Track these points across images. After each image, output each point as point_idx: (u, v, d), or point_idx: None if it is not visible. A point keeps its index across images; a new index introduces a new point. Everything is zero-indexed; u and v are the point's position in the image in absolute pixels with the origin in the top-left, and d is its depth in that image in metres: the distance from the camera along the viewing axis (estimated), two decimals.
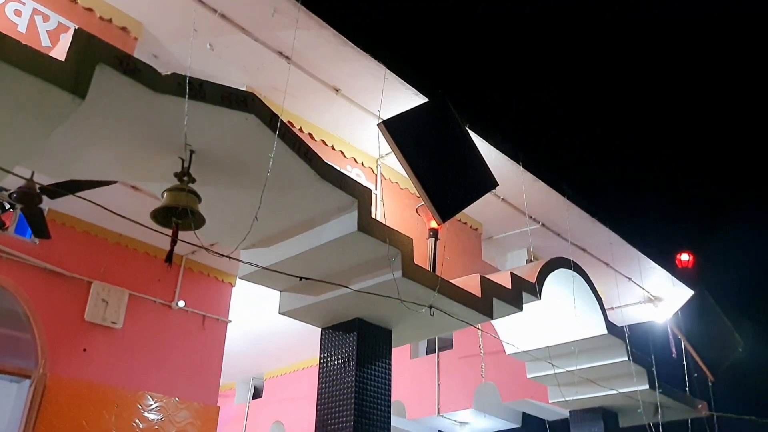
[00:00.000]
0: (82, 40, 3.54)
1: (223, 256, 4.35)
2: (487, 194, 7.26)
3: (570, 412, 9.11)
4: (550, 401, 8.93)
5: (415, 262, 5.37)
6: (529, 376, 8.54)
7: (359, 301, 5.52)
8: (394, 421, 11.24)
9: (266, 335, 10.30)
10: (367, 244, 4.91)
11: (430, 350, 11.49)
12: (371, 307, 5.61)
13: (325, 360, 5.89)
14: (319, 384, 5.84)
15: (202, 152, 4.38)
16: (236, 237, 5.03)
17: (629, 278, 9.30)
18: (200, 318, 8.23)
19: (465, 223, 7.77)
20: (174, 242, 4.18)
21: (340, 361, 5.73)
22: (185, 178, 4.34)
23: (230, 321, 8.50)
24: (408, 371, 11.32)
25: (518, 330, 8.23)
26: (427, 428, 11.75)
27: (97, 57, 3.55)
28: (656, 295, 9.89)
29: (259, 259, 5.21)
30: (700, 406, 9.03)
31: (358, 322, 5.79)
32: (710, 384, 9.08)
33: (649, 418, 8.78)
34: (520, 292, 6.43)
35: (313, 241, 4.97)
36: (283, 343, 10.64)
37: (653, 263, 9.04)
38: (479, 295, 5.95)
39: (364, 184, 6.35)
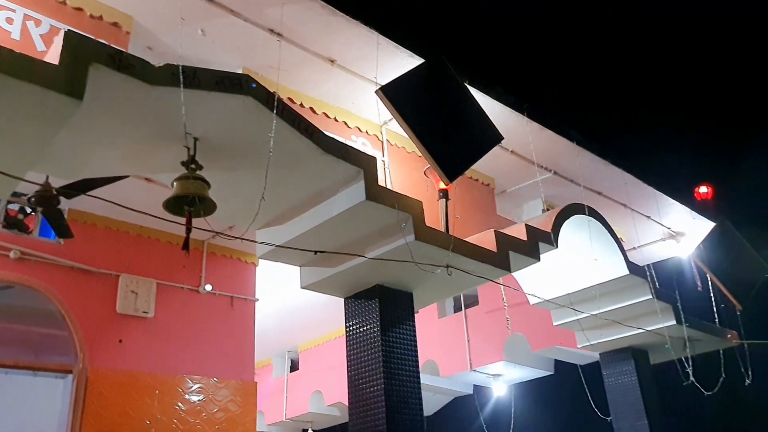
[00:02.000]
0: (74, 42, 3.59)
1: (235, 238, 4.46)
2: (496, 148, 7.25)
3: (600, 354, 9.21)
4: (578, 346, 9.02)
5: (428, 224, 5.43)
6: (555, 323, 8.63)
7: (377, 268, 5.61)
8: (429, 380, 11.55)
9: (296, 310, 10.52)
10: (377, 212, 4.97)
11: (457, 308, 11.63)
12: (390, 272, 5.71)
13: (351, 328, 6.03)
14: (348, 351, 5.99)
15: (206, 139, 4.45)
16: (249, 218, 5.13)
17: (648, 216, 9.25)
18: (228, 299, 8.43)
19: (476, 180, 7.78)
20: (189, 230, 4.29)
21: (365, 328, 5.87)
22: (192, 166, 4.42)
23: (257, 299, 8.69)
24: (437, 330, 11.49)
25: (540, 280, 8.28)
26: (462, 384, 11.97)
27: (89, 57, 3.60)
28: (677, 231, 9.84)
29: (274, 238, 5.31)
30: (729, 335, 9.05)
31: (379, 289, 5.90)
32: (738, 313, 9.08)
33: (678, 353, 8.85)
34: (536, 242, 6.47)
35: (324, 214, 5.05)
36: (313, 315, 10.85)
37: (670, 199, 8.97)
38: (495, 250, 6.00)
39: (370, 152, 6.40)
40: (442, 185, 5.80)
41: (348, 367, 5.93)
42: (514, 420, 11.69)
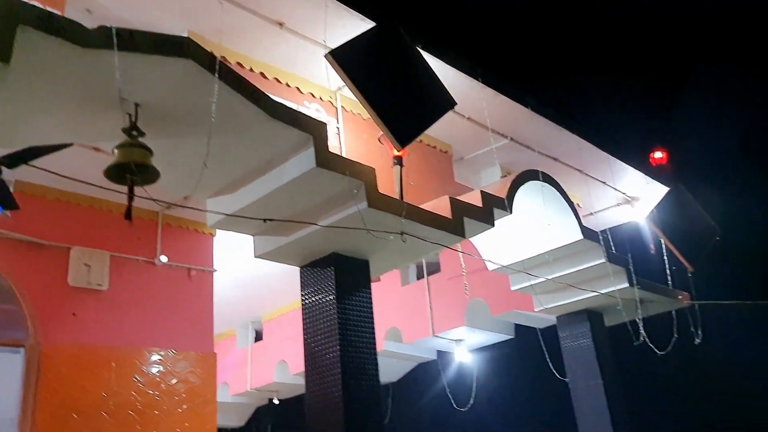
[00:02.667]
0: (0, 3, 3.43)
1: (174, 205, 4.36)
2: (451, 114, 7.25)
3: (557, 317, 9.40)
4: (535, 309, 9.19)
5: (383, 192, 5.41)
6: (513, 288, 8.76)
7: (332, 236, 5.59)
8: (393, 347, 11.67)
9: (259, 279, 10.46)
10: (328, 179, 4.92)
11: (419, 276, 11.72)
12: (344, 240, 5.69)
13: (307, 296, 6.02)
14: (303, 320, 5.99)
15: (148, 105, 4.32)
16: (199, 187, 5.04)
17: (603, 182, 9.39)
18: (185, 271, 8.32)
19: (434, 147, 7.77)
20: (131, 199, 4.19)
21: (321, 296, 5.86)
22: (134, 133, 4.30)
23: (216, 270, 8.61)
24: (400, 298, 11.59)
25: (498, 246, 8.37)
26: (425, 349, 12.14)
27: (16, 19, 3.44)
28: (632, 196, 10.02)
29: (225, 207, 5.24)
30: (680, 296, 9.32)
31: (334, 257, 5.88)
32: (690, 275, 9.34)
33: (632, 315, 9.08)
34: (490, 208, 6.51)
35: (274, 182, 4.98)
36: (276, 285, 10.80)
37: (625, 164, 9.11)
38: (449, 216, 6.03)
39: (324, 119, 6.32)
40: (396, 151, 5.77)
41: (304, 335, 5.94)
42: (477, 383, 11.95)
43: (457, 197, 6.28)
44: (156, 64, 3.99)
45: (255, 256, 5.87)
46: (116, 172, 4.19)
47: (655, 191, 9.83)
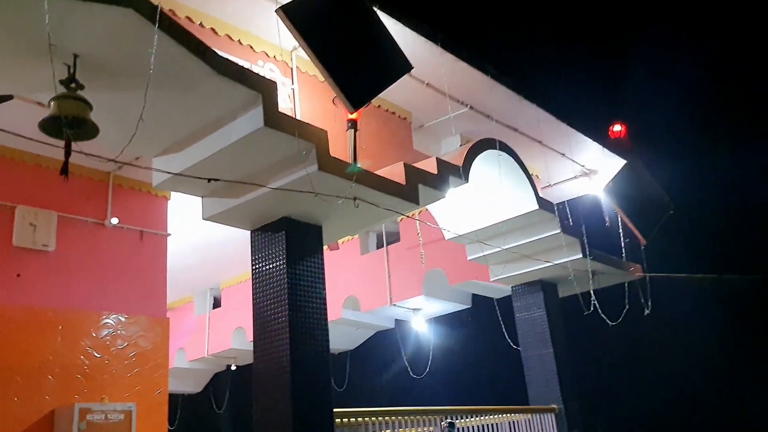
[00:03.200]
0: None
1: (125, 165, 4.21)
2: (411, 80, 7.17)
3: (512, 287, 9.51)
4: (491, 279, 9.27)
5: (336, 156, 5.31)
6: (469, 258, 8.80)
7: (283, 200, 5.49)
8: (351, 315, 11.69)
9: (217, 245, 10.30)
10: (277, 140, 4.80)
11: (379, 245, 11.71)
12: (296, 204, 5.60)
13: (257, 260, 5.94)
14: (253, 284, 5.92)
15: (87, 56, 4.13)
16: (143, 144, 4.88)
17: (562, 154, 9.44)
18: (137, 233, 8.14)
19: (393, 113, 7.67)
20: (67, 154, 4.02)
21: (271, 261, 5.78)
22: (72, 85, 4.11)
23: (169, 234, 8.44)
24: (359, 267, 11.56)
25: (455, 215, 8.38)
26: (383, 318, 12.19)
27: None
28: (590, 168, 10.10)
29: (171, 166, 5.08)
30: (632, 268, 9.50)
31: (286, 221, 5.79)
32: (642, 247, 9.51)
33: (585, 286, 9.24)
34: (446, 176, 6.48)
35: (222, 141, 4.84)
36: (234, 252, 10.66)
37: (584, 137, 9.15)
38: (404, 183, 5.97)
39: (278, 79, 6.15)
40: (350, 114, 5.66)
41: (254, 300, 5.87)
42: (433, 351, 12.09)
43: (413, 165, 6.22)
44: (94, 12, 3.80)
45: (203, 218, 5.74)
46: (52, 126, 4.02)
47: (613, 164, 9.92)
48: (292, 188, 5.08)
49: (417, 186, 6.07)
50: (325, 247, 9.47)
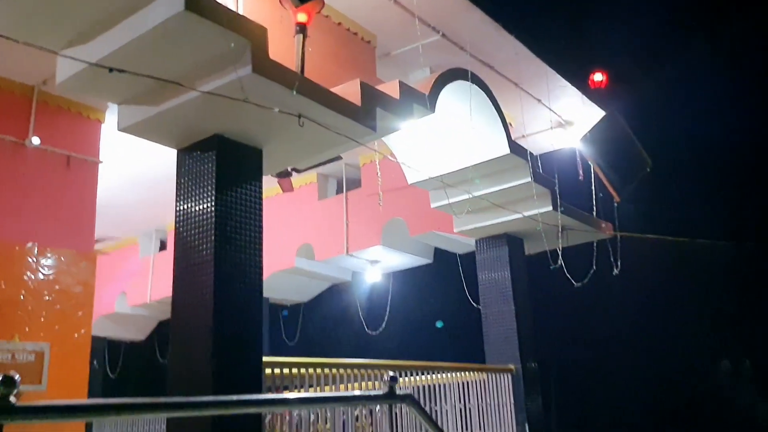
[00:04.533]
0: None
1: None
2: None
3: (476, 241, 8.89)
4: (454, 231, 8.63)
5: (283, 65, 4.52)
6: (432, 205, 8.12)
7: (213, 111, 4.68)
8: (305, 264, 10.99)
9: (164, 181, 9.43)
10: (202, 30, 3.96)
11: (340, 190, 10.97)
12: (230, 119, 4.79)
13: (182, 185, 5.14)
14: (177, 212, 5.15)
15: None
16: (45, 35, 4.01)
17: (539, 100, 8.74)
18: (63, 158, 7.30)
19: (355, 34, 6.83)
20: None
21: (198, 185, 4.99)
22: None
23: (101, 162, 7.59)
24: (316, 213, 10.82)
25: (419, 156, 7.66)
26: (340, 269, 11.53)
27: None
28: (567, 119, 9.44)
29: (75, 62, 4.21)
30: (603, 225, 8.95)
31: (218, 140, 4.98)
32: (615, 205, 8.97)
33: (553, 243, 8.67)
34: (410, 103, 5.71)
35: (137, 28, 3.99)
36: None
37: (563, 81, 8.44)
38: (359, 104, 5.20)
39: None
40: (300, 17, 4.83)
41: (176, 228, 5.10)
42: (391, 307, 11.51)
43: (371, 85, 5.44)
44: None
45: (118, 129, 4.89)
46: None
47: (591, 116, 9.27)
48: (221, 93, 4.27)
49: (374, 110, 5.30)
50: (279, 189, 8.78)
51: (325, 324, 14.05)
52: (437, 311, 13.29)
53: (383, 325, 11.40)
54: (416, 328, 13.30)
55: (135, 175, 9.61)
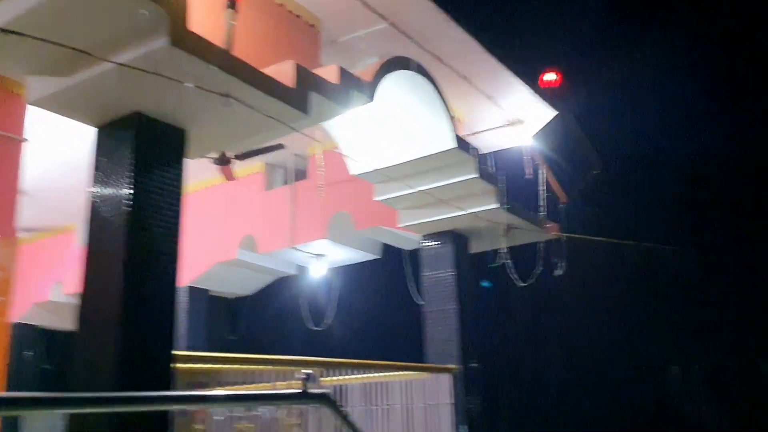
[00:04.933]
0: None
1: None
2: None
3: (421, 237, 8.69)
4: (398, 225, 8.42)
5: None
6: (375, 198, 7.89)
7: (132, 87, 4.35)
8: (247, 257, 10.63)
9: None
10: None
11: (289, 181, 10.64)
12: (149, 94, 4.46)
13: (99, 166, 4.79)
14: (91, 196, 4.79)
15: None
16: None
17: (489, 97, 8.58)
18: None
19: (299, 17, 6.54)
20: None
21: (114, 166, 4.64)
22: None
23: (26, 140, 7.11)
24: (261, 203, 10.48)
25: (363, 147, 7.42)
26: (284, 263, 11.20)
27: None
28: (517, 118, 9.30)
29: None
30: (549, 226, 8.86)
31: (138, 118, 4.64)
32: (562, 206, 8.90)
33: (499, 242, 8.55)
34: (349, 90, 5.46)
35: None
36: None
37: (514, 78, 8.30)
38: (292, 86, 4.93)
39: None
40: None
41: (90, 214, 4.75)
42: (338, 303, 11.24)
43: (307, 68, 5.16)
44: None
45: (29, 103, 4.52)
46: None
47: (542, 116, 9.18)
48: (137, 66, 3.95)
49: (309, 94, 5.03)
50: (224, 178, 8.42)
51: (270, 319, 13.71)
52: (384, 308, 13.09)
53: (328, 321, 11.13)
54: (363, 325, 13.08)
55: (72, 159, 9.10)
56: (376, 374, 7.15)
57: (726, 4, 13.09)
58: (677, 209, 12.71)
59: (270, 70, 4.95)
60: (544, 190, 8.97)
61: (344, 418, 3.84)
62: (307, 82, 5.05)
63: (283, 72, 4.93)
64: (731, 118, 12.92)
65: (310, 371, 4.24)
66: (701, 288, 13.69)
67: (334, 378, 6.63)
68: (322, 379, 6.09)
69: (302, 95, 4.96)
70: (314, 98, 5.14)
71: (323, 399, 3.48)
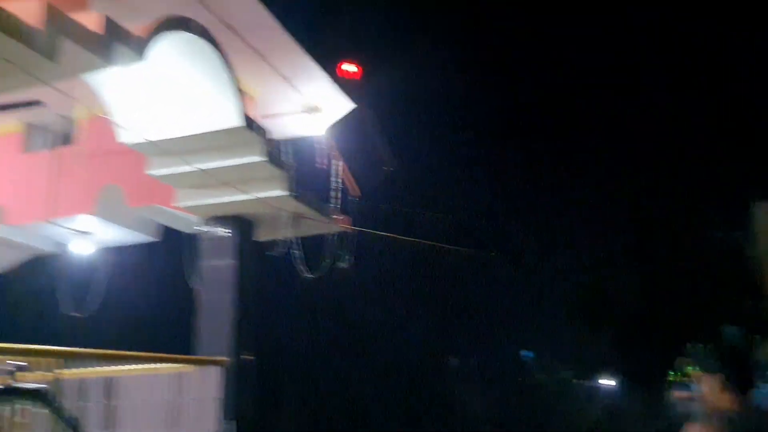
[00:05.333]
0: None
1: None
2: None
3: (203, 220, 8.08)
4: (174, 204, 7.73)
5: None
6: (148, 171, 7.13)
7: None
8: None
9: None
10: None
11: (55, 145, 9.25)
12: None
13: None
14: None
15: None
16: None
17: (285, 78, 8.19)
18: None
19: None
20: None
21: None
22: None
23: None
24: (17, 168, 9.02)
25: (136, 115, 6.63)
26: (40, 237, 9.77)
27: None
28: (315, 105, 9.07)
29: None
30: (339, 218, 8.76)
31: None
32: (356, 200, 8.88)
33: (288, 231, 8.25)
34: (114, 43, 4.74)
35: None
36: None
37: (314, 64, 8.03)
38: (40, 27, 4.12)
39: None
40: None
41: None
42: (107, 289, 10.10)
43: (61, 10, 4.36)
44: None
45: None
46: None
47: (341, 107, 9.05)
48: None
49: (60, 39, 4.25)
50: None
51: (23, 302, 12.00)
52: (159, 296, 12.13)
53: (92, 306, 9.94)
54: (132, 313, 11.99)
55: None
56: (134, 366, 6.47)
57: None
58: (466, 210, 13.48)
59: (14, 7, 4.09)
60: (337, 182, 8.86)
61: (64, 418, 3.26)
62: (60, 26, 4.27)
63: (29, 10, 4.10)
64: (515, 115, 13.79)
65: (23, 363, 3.53)
66: (477, 287, 14.73)
67: (80, 370, 5.85)
68: (62, 371, 5.26)
69: (50, 39, 4.17)
70: (69, 46, 4.36)
71: (37, 396, 2.89)
